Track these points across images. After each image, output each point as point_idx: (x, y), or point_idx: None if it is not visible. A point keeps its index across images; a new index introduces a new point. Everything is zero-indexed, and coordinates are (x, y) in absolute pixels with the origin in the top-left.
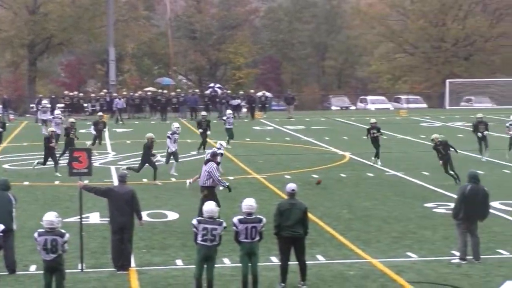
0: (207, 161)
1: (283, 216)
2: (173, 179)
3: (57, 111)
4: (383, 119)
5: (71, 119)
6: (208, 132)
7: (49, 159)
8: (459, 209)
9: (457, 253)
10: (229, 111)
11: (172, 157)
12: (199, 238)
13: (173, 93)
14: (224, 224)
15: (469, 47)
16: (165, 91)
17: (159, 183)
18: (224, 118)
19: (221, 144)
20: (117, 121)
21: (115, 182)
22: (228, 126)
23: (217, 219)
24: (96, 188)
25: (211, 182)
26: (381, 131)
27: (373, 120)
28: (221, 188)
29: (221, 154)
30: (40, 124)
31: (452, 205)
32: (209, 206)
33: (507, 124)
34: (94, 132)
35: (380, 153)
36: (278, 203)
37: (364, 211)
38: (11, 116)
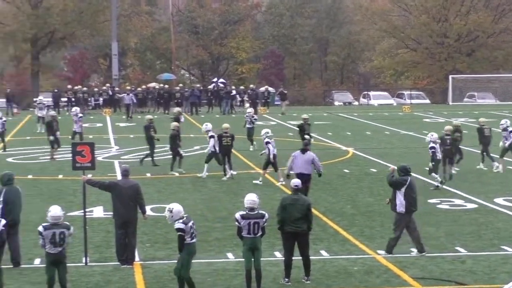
0: (304, 150)
1: (285, 211)
2: (176, 174)
3: (75, 108)
4: (386, 115)
5: (149, 116)
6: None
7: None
8: (409, 202)
9: (461, 249)
10: (249, 109)
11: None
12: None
13: (177, 88)
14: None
15: (472, 43)
16: (166, 86)
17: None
18: (246, 116)
19: (267, 132)
20: (128, 117)
21: (119, 176)
22: (249, 126)
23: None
24: (100, 182)
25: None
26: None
27: (483, 119)
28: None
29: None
30: (37, 122)
31: (456, 201)
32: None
33: (501, 131)
34: None
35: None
36: (282, 198)
37: (367, 206)
38: (15, 110)
